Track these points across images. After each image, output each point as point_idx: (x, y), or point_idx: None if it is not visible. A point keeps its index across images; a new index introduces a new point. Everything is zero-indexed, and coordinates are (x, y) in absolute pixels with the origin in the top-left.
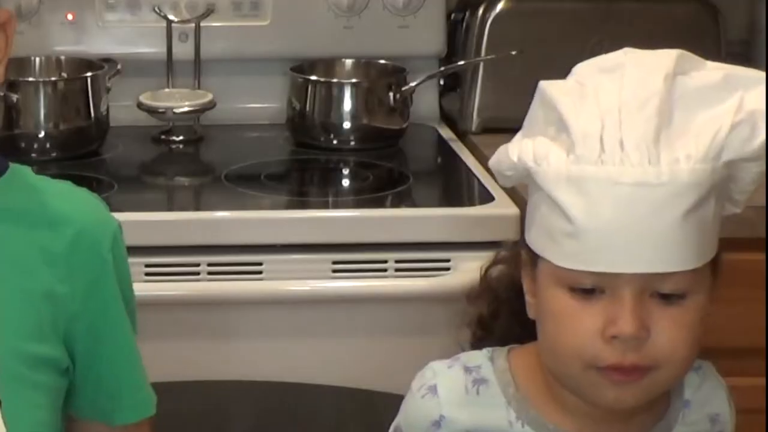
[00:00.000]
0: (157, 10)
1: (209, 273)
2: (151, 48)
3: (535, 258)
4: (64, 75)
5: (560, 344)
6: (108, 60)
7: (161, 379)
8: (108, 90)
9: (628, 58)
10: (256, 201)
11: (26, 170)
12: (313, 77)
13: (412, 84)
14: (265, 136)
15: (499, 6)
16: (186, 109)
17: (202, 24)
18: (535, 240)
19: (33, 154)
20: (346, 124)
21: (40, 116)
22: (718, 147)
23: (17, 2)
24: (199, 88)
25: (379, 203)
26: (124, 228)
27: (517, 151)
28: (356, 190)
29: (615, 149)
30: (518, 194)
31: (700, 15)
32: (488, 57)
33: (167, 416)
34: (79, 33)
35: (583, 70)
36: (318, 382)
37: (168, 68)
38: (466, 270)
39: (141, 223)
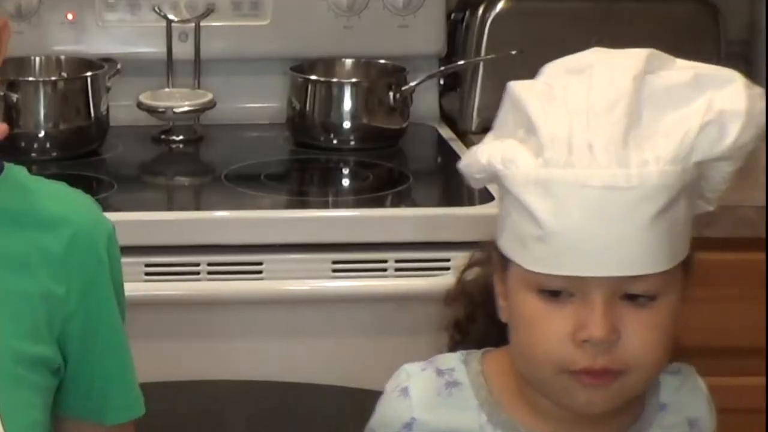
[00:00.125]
0: (157, 10)
1: (209, 273)
2: (151, 48)
3: (506, 262)
4: (64, 75)
5: (531, 348)
6: (108, 60)
7: (161, 379)
8: (108, 90)
9: (596, 58)
10: (256, 201)
11: (21, 170)
12: (313, 77)
13: (412, 84)
14: (265, 136)
15: (499, 6)
16: (186, 108)
17: (202, 24)
18: (505, 244)
19: (33, 154)
20: (346, 124)
21: (40, 116)
22: (687, 148)
23: (17, 2)
24: (199, 87)
25: (379, 203)
26: (124, 228)
27: (487, 153)
28: (356, 189)
29: (583, 152)
30: None
31: (700, 15)
32: (488, 57)
33: (167, 416)
34: (79, 33)
35: (551, 70)
36: (318, 382)
37: (168, 68)
38: None
39: (141, 222)
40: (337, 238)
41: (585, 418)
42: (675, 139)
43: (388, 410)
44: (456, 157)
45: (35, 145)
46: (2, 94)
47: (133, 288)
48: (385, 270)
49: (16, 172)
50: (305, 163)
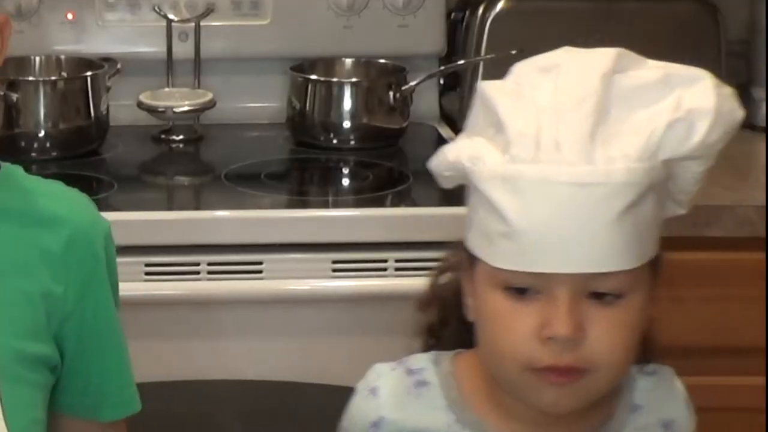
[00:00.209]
0: (157, 10)
1: (209, 272)
2: (151, 47)
3: (473, 260)
4: (64, 74)
5: (497, 345)
6: (108, 59)
7: (161, 379)
8: (108, 89)
9: (565, 57)
10: (255, 200)
11: (18, 170)
12: (313, 76)
13: (412, 83)
14: (265, 136)
15: (499, 5)
16: (186, 108)
17: (202, 23)
18: (472, 241)
19: (33, 154)
20: (346, 124)
21: (39, 116)
22: (654, 146)
23: (17, 2)
24: (199, 87)
25: (379, 203)
26: (124, 227)
27: (455, 151)
28: (356, 189)
29: (550, 148)
30: None
31: (700, 15)
32: (488, 56)
33: (167, 416)
34: (79, 32)
35: (521, 69)
36: (318, 382)
37: (168, 67)
38: None
39: (141, 222)
40: (337, 237)
41: (553, 420)
42: (642, 136)
43: (356, 409)
44: None
45: (35, 145)
46: (2, 93)
47: (133, 288)
48: (385, 270)
49: (13, 171)
50: (305, 162)
